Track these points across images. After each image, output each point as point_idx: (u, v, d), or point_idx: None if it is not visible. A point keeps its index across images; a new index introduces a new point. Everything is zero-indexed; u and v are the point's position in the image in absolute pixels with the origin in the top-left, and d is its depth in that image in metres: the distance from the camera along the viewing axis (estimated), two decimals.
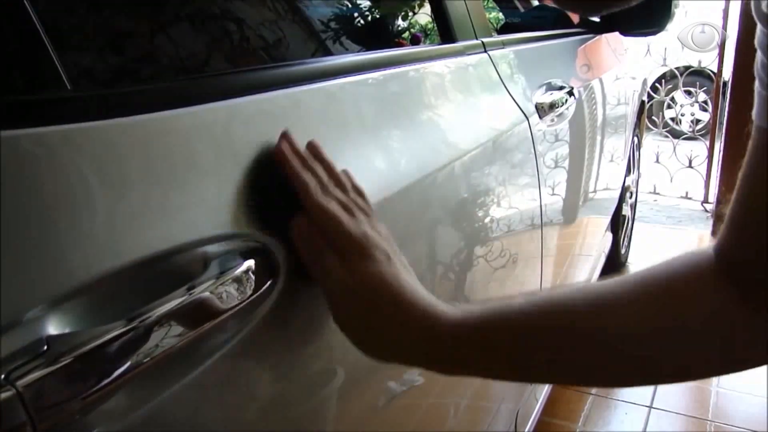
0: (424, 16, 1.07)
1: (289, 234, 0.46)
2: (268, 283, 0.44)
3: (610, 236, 2.23)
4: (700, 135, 3.57)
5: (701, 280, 0.43)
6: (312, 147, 0.51)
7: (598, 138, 1.62)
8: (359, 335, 0.47)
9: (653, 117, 3.84)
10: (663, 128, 3.75)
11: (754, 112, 0.42)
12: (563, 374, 0.48)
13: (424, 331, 0.46)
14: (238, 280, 0.41)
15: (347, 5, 0.92)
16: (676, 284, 0.44)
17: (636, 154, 2.59)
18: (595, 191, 1.68)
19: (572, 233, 1.47)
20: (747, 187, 0.41)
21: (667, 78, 3.71)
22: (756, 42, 0.39)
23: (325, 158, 0.51)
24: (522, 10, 2.07)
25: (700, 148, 3.39)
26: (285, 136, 0.48)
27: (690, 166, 3.41)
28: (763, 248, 0.40)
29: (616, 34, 1.83)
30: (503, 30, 1.79)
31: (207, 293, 0.39)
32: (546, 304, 0.46)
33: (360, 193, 0.52)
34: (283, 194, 0.48)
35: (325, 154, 0.51)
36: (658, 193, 3.53)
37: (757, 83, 0.39)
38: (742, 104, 2.81)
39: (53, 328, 0.31)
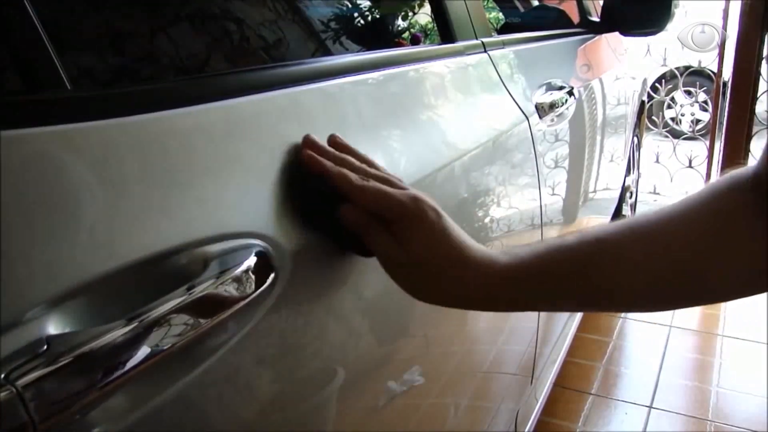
0: (424, 16, 1.07)
1: (343, 224, 0.49)
2: (268, 283, 0.44)
3: None
4: (700, 135, 3.56)
5: (743, 211, 0.45)
6: (334, 139, 0.54)
7: (598, 138, 1.62)
8: (424, 294, 0.51)
9: (653, 117, 3.84)
10: (663, 128, 3.75)
11: None
12: (606, 305, 0.54)
13: (482, 278, 0.49)
14: (238, 280, 0.41)
15: (347, 5, 0.92)
16: (718, 217, 0.46)
17: (636, 154, 2.59)
18: (595, 191, 1.68)
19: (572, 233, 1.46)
20: None
21: (667, 78, 3.70)
22: None
23: (348, 146, 0.54)
24: (522, 10, 2.07)
25: (700, 148, 3.39)
26: (308, 140, 0.51)
27: (690, 166, 3.41)
28: None
29: (616, 34, 1.83)
30: (503, 30, 1.79)
31: (207, 293, 0.39)
32: (596, 241, 0.48)
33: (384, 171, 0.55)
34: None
35: (346, 142, 0.54)
36: (658, 193, 3.53)
37: None
38: (742, 104, 2.81)
39: (53, 328, 0.31)
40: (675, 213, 0.47)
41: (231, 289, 0.41)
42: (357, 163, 0.52)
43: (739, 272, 0.46)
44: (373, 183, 0.50)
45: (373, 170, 0.52)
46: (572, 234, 0.50)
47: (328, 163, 0.49)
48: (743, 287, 0.47)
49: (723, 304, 2.33)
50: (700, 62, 3.41)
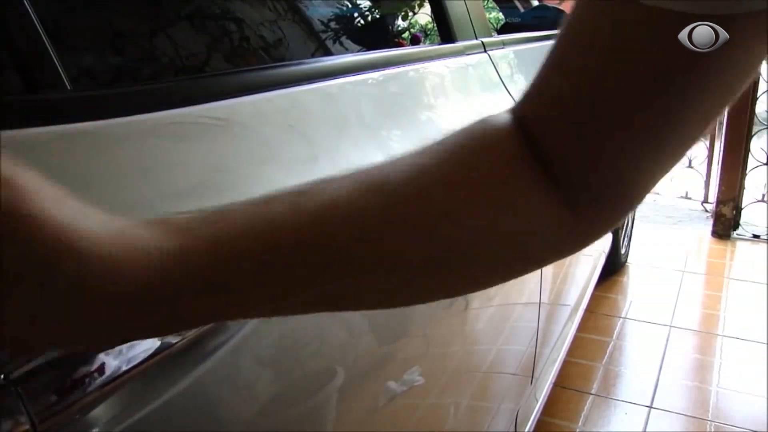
0: (424, 16, 1.07)
1: None
2: None
3: (610, 236, 2.23)
4: None
5: (502, 157, 0.34)
6: None
7: None
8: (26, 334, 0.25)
9: None
10: None
11: None
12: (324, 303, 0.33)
13: (128, 283, 0.25)
14: None
15: (347, 5, 0.92)
16: (476, 171, 0.34)
17: None
18: None
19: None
20: (569, 34, 0.33)
21: None
22: None
23: None
24: (522, 10, 2.07)
25: (700, 148, 3.39)
26: None
27: (690, 166, 3.41)
28: (568, 110, 0.33)
29: None
30: (503, 30, 1.79)
31: None
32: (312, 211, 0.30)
33: None
34: None
35: None
36: (658, 193, 3.53)
37: None
38: (742, 104, 2.81)
39: None
40: (421, 177, 0.33)
41: None
42: None
43: (518, 247, 0.35)
44: None
45: None
46: (274, 199, 0.31)
47: None
48: (524, 263, 0.36)
49: (723, 304, 2.33)
50: None
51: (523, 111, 0.36)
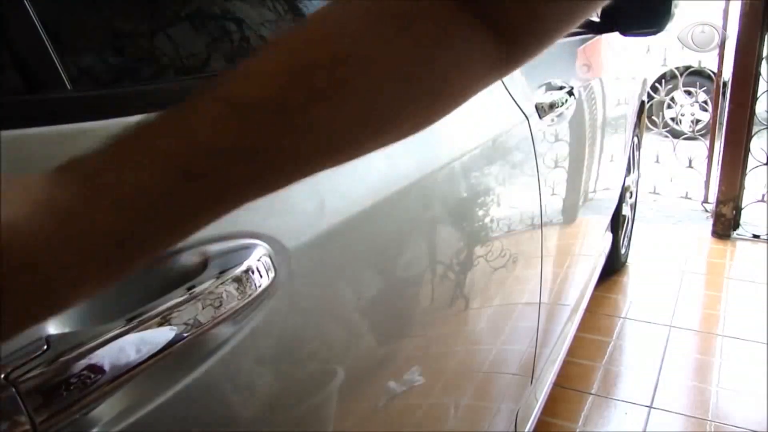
0: None
1: None
2: (268, 283, 0.44)
3: (610, 236, 2.23)
4: (700, 135, 3.57)
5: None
6: None
7: (598, 138, 1.62)
8: None
9: (653, 117, 3.84)
10: (663, 128, 3.75)
11: None
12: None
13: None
14: (238, 280, 0.41)
15: None
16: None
17: (636, 154, 2.59)
18: (594, 191, 1.68)
19: (572, 233, 1.47)
20: None
21: (667, 78, 3.70)
22: None
23: None
24: None
25: (700, 148, 3.39)
26: None
27: (690, 166, 3.41)
28: None
29: (616, 34, 1.83)
30: None
31: (207, 293, 0.39)
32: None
33: None
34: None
35: None
36: (658, 193, 3.53)
37: None
38: (742, 104, 2.81)
39: (53, 328, 0.31)
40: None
41: (231, 289, 0.41)
42: None
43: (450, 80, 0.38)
44: None
45: None
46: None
47: None
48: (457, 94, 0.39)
49: (723, 304, 2.33)
50: (700, 62, 3.41)
51: None
